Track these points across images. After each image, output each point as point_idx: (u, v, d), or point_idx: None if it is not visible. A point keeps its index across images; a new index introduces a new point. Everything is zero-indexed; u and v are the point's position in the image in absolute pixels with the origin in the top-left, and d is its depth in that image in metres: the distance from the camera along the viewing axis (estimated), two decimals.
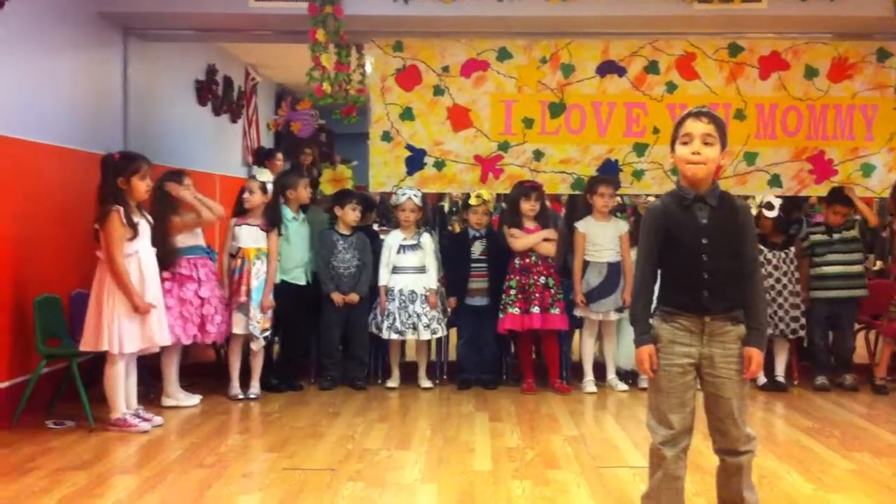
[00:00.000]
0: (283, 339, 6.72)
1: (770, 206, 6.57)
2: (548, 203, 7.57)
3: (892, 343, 6.67)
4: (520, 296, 6.52)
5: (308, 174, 8.61)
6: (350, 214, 6.75)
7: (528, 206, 6.64)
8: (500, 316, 6.56)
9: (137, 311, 5.26)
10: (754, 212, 6.79)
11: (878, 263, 6.96)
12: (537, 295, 6.51)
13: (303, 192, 6.72)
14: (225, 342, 6.43)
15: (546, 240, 6.61)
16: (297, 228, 6.61)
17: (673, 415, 3.34)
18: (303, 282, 6.62)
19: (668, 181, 7.02)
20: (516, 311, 6.49)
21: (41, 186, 5.77)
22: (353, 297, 6.64)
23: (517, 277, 6.56)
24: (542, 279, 6.54)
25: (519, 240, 6.58)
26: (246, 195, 6.29)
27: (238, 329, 6.19)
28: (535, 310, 6.48)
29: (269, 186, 6.34)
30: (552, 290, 6.55)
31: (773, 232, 6.68)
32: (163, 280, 5.70)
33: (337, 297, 6.61)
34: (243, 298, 6.15)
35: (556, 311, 6.52)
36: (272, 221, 6.34)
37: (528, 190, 6.69)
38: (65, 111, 6.15)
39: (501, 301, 6.59)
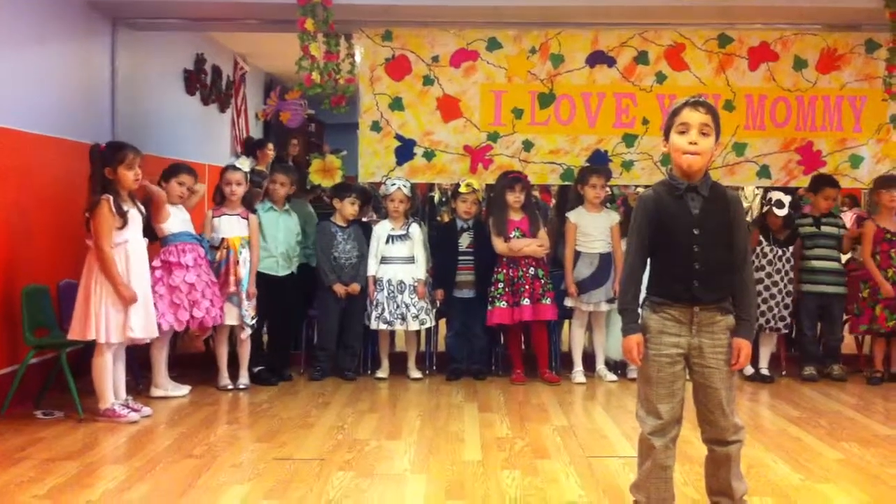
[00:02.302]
0: (269, 331, 6.69)
1: (780, 205, 6.59)
2: (537, 194, 7.58)
3: (882, 337, 6.74)
4: (507, 289, 6.53)
5: (294, 164, 8.61)
6: (349, 208, 6.74)
7: (514, 198, 6.63)
8: (489, 309, 6.57)
9: (122, 300, 5.24)
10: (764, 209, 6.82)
11: None
12: (527, 287, 6.51)
13: (280, 188, 6.61)
14: (213, 331, 6.41)
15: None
16: (273, 220, 6.56)
17: (662, 405, 3.35)
18: (280, 273, 6.55)
19: (658, 172, 7.03)
20: (504, 304, 6.50)
21: (29, 176, 5.73)
22: (355, 287, 6.63)
23: (504, 270, 6.56)
24: (532, 270, 6.55)
25: (505, 245, 6.57)
26: (234, 187, 6.25)
27: (230, 320, 6.18)
28: (526, 301, 6.48)
29: (249, 176, 6.38)
30: (542, 281, 6.56)
31: (782, 229, 6.70)
32: (152, 269, 5.69)
33: (339, 289, 6.60)
34: (233, 288, 6.14)
35: (546, 301, 6.53)
36: (251, 208, 6.37)
37: (513, 181, 6.68)
38: (53, 101, 6.12)
39: (489, 294, 6.60)
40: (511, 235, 6.58)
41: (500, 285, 6.55)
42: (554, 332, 6.90)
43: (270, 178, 6.72)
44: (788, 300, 6.71)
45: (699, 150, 3.28)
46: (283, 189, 6.64)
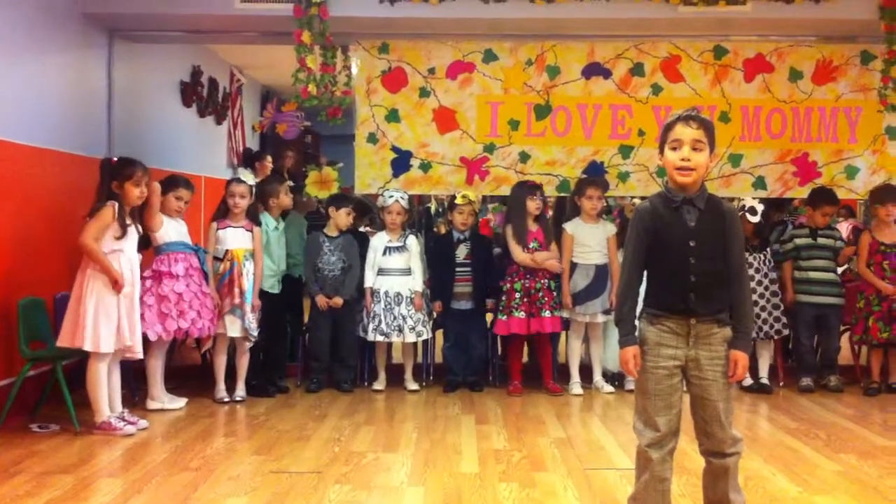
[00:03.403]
0: (264, 345, 6.65)
1: (753, 212, 6.61)
2: None
3: (879, 348, 6.74)
4: (525, 299, 6.52)
5: (290, 177, 8.62)
6: (343, 219, 6.73)
7: (534, 205, 6.65)
8: (503, 318, 6.54)
9: (115, 287, 5.22)
10: None
11: None
12: (546, 299, 6.52)
13: (284, 198, 6.71)
14: (213, 342, 6.40)
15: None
16: (277, 238, 6.60)
17: (659, 417, 3.35)
18: (277, 290, 6.58)
19: (654, 183, 7.05)
20: (521, 314, 6.49)
21: (25, 188, 5.73)
22: (337, 301, 6.61)
23: (522, 280, 6.55)
24: (546, 281, 6.56)
25: (527, 256, 6.56)
26: (237, 200, 6.25)
27: (233, 332, 6.16)
28: (546, 314, 6.48)
29: (253, 189, 6.37)
30: (554, 293, 6.57)
31: (753, 235, 6.72)
32: (143, 279, 5.67)
33: (321, 301, 6.59)
34: (237, 300, 6.13)
35: (559, 313, 6.56)
36: (256, 221, 6.37)
37: (533, 188, 6.70)
38: (49, 113, 6.11)
39: (501, 304, 6.58)
40: (529, 246, 6.59)
41: (517, 295, 6.52)
42: (552, 343, 6.89)
43: (275, 190, 6.68)
44: (778, 300, 6.74)
45: (691, 165, 3.28)
46: (287, 199, 6.67)
